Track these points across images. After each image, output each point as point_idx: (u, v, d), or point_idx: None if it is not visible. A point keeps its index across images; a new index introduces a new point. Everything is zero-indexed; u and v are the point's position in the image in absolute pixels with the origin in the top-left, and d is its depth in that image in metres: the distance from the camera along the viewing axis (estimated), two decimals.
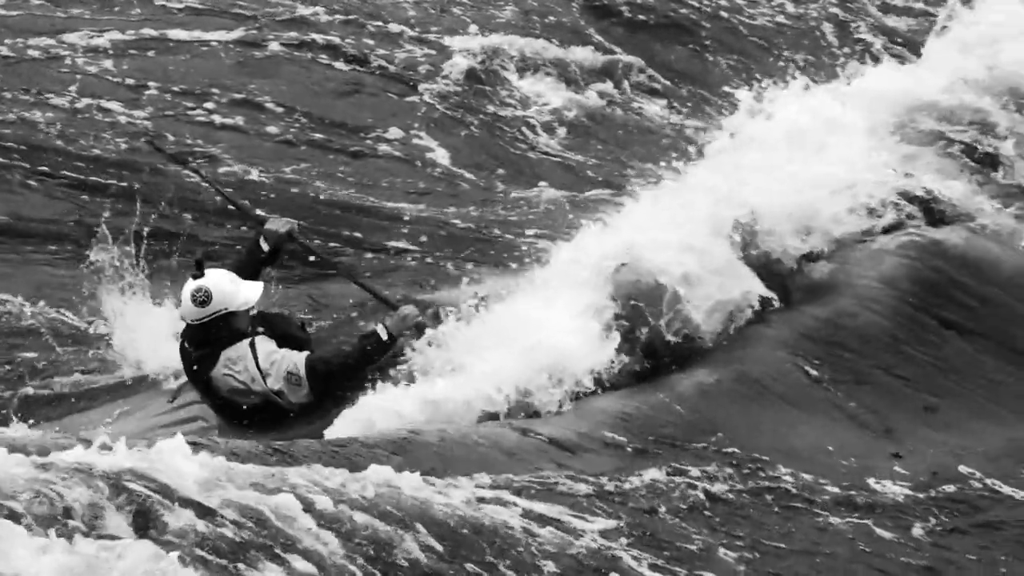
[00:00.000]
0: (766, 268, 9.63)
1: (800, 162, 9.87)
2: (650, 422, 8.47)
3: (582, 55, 15.14)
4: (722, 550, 7.19)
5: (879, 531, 7.67)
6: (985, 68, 10.79)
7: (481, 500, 6.90)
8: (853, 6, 15.99)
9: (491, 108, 14.18)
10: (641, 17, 15.80)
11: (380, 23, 14.89)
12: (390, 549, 6.11)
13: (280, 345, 8.88)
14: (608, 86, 14.73)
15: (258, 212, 10.35)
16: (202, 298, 8.67)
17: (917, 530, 7.72)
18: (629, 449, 8.24)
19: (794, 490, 7.95)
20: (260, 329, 8.91)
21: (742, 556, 7.19)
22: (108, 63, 14.19)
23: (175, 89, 13.88)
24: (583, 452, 8.09)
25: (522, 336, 8.67)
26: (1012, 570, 7.36)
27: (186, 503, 5.89)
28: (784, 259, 9.72)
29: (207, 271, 8.72)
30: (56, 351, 10.26)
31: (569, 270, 9.22)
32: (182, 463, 6.10)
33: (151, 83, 13.86)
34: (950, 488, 8.11)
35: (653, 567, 6.89)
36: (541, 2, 15.61)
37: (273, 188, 12.57)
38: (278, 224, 9.17)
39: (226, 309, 8.70)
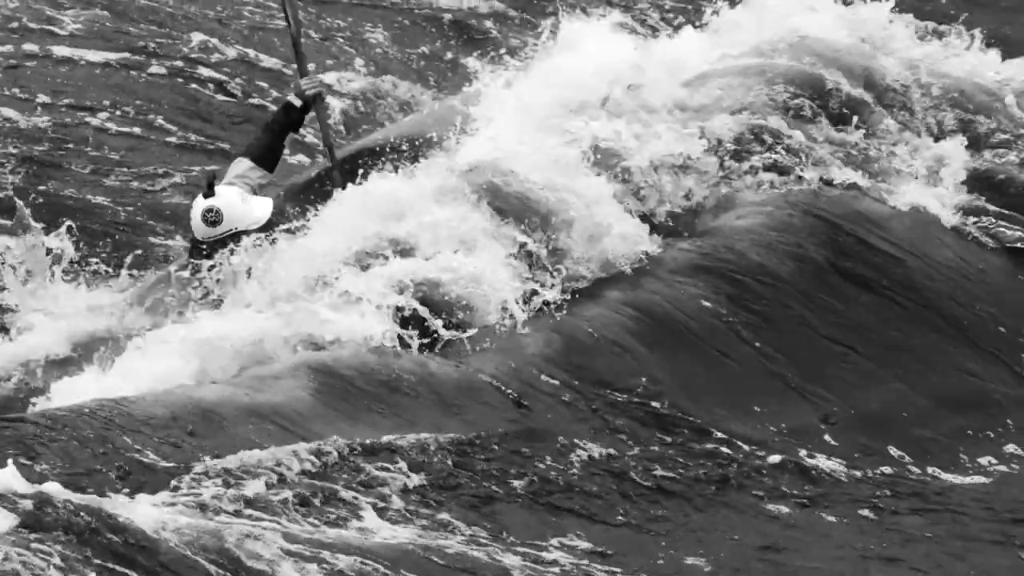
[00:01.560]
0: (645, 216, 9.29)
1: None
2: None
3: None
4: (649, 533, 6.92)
5: (821, 515, 7.36)
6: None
7: None
8: None
9: None
10: None
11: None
12: None
13: None
14: None
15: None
16: (213, 218, 8.69)
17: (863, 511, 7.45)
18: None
19: (732, 464, 7.67)
20: None
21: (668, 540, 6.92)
22: None
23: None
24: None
25: None
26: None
27: None
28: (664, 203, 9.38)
29: (217, 189, 8.72)
30: None
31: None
32: None
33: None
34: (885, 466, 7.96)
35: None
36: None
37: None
38: (313, 81, 9.23)
39: (236, 228, 8.71)
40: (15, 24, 13.62)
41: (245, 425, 7.06)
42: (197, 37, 13.73)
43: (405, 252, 8.59)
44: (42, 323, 8.99)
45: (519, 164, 9.00)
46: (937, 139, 10.02)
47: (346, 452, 6.93)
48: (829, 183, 9.55)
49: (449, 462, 7.03)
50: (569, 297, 8.53)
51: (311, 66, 9.53)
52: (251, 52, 13.72)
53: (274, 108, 10.94)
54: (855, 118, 9.90)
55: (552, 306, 8.44)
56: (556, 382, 8.03)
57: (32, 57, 13.13)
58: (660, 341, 8.44)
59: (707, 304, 8.69)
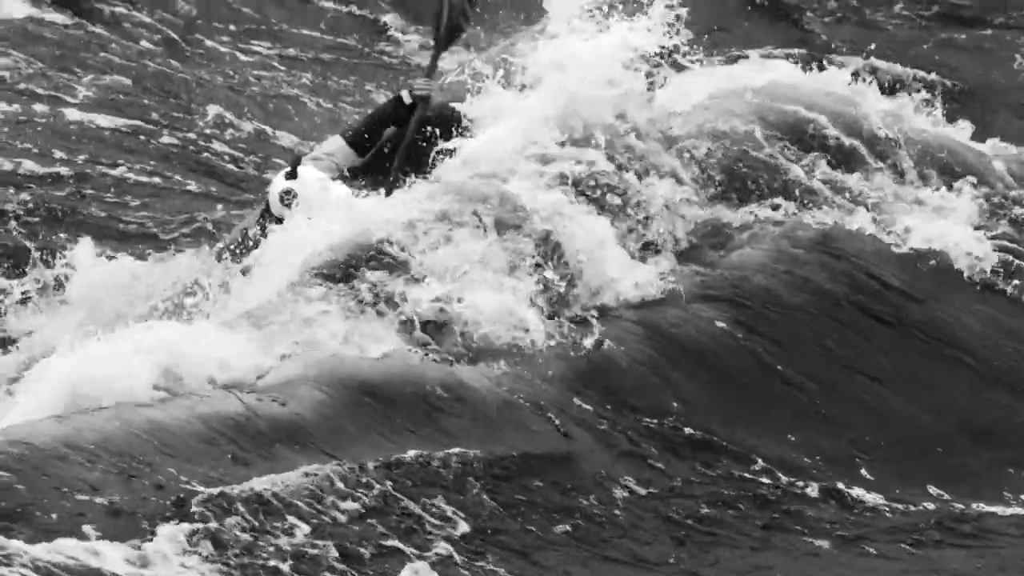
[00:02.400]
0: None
1: None
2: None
3: None
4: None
5: (866, 549, 7.21)
6: None
7: None
8: None
9: None
10: None
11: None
12: None
13: None
14: None
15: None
16: (288, 201, 8.72)
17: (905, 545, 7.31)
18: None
19: (774, 497, 7.51)
20: None
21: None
22: None
23: None
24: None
25: None
26: None
27: None
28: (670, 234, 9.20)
29: (301, 172, 8.77)
30: None
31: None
32: None
33: None
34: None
35: None
36: None
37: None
38: (429, 85, 9.22)
39: (309, 216, 8.67)
40: (28, 86, 13.56)
41: (278, 445, 6.87)
42: (213, 110, 13.73)
43: (416, 271, 8.44)
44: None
45: (527, 189, 8.89)
46: (936, 180, 10.00)
47: (383, 480, 6.71)
48: (836, 219, 9.45)
49: (491, 499, 6.83)
50: (588, 322, 8.37)
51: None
52: (266, 127, 13.67)
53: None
54: (852, 157, 9.87)
55: (571, 329, 8.27)
56: (588, 407, 7.84)
57: (44, 116, 13.08)
58: (686, 367, 8.27)
59: (728, 332, 8.51)
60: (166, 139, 13.04)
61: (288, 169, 8.84)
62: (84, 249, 9.77)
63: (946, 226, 9.60)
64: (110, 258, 9.87)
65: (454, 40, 9.59)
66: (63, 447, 6.48)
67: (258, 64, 15.30)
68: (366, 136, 9.09)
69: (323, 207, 8.69)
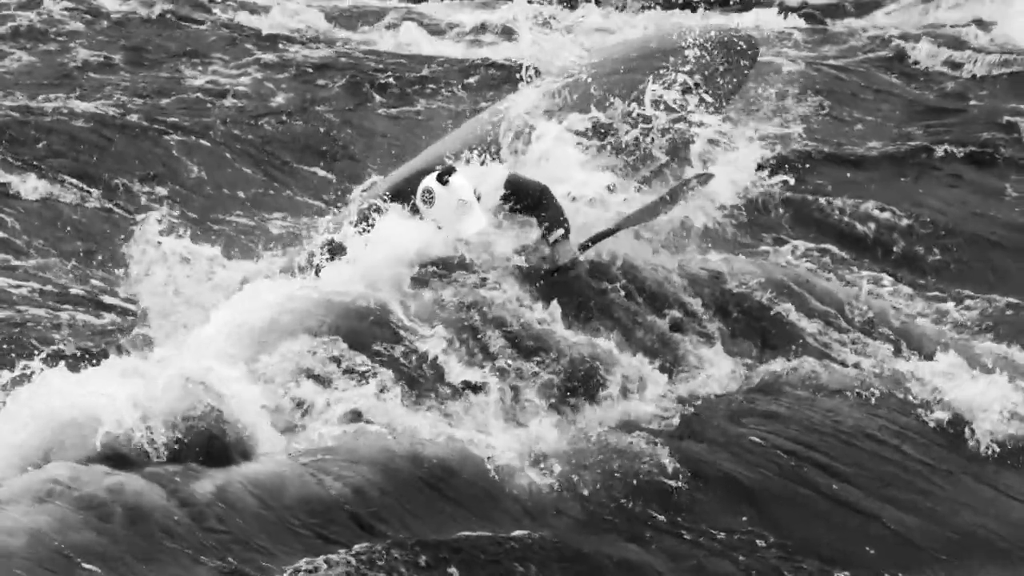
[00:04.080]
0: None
1: None
2: None
3: None
4: None
5: None
6: None
7: None
8: None
9: None
10: None
11: None
12: None
13: None
14: None
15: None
16: (424, 199, 8.74)
17: None
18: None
19: None
20: None
21: None
22: None
23: None
24: None
25: None
26: None
27: None
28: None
29: (452, 180, 8.70)
30: None
31: None
32: None
33: None
34: None
35: None
36: None
37: None
38: (566, 254, 8.99)
39: (438, 224, 8.72)
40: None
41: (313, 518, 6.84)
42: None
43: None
44: None
45: None
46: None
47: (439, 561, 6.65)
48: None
49: None
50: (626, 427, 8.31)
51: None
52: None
53: None
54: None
55: (598, 434, 8.19)
56: (645, 512, 7.74)
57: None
58: (744, 486, 8.15)
59: (773, 454, 8.39)
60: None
61: (442, 169, 8.75)
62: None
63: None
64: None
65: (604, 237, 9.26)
66: None
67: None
68: (521, 201, 8.92)
69: (452, 223, 8.67)
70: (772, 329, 9.45)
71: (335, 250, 8.85)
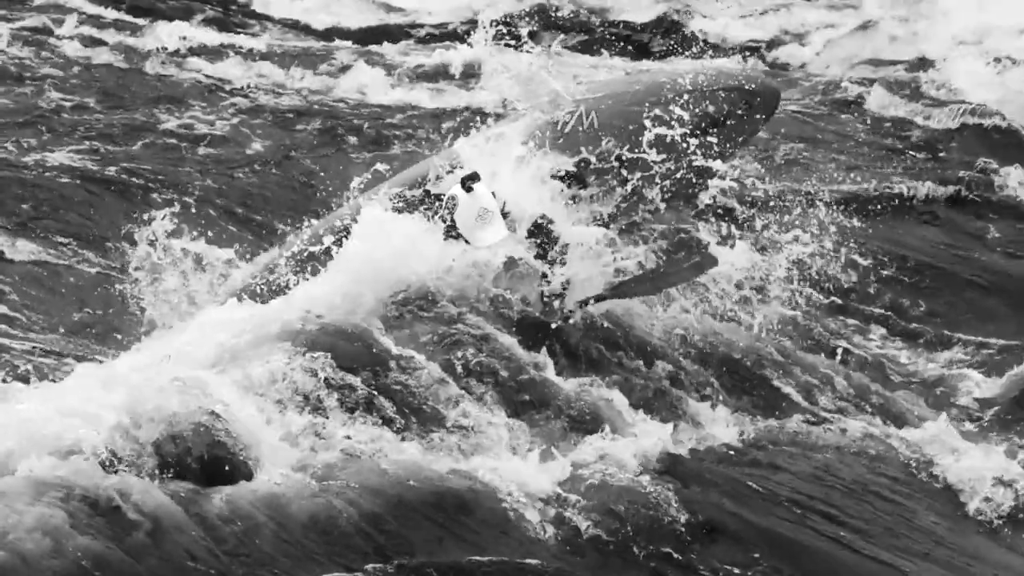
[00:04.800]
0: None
1: None
2: None
3: None
4: None
5: None
6: None
7: None
8: None
9: None
10: None
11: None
12: None
13: None
14: None
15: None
16: (449, 206, 8.77)
17: None
18: None
19: None
20: None
21: None
22: None
23: None
24: None
25: None
26: None
27: None
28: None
29: (477, 188, 8.73)
30: None
31: None
32: None
33: None
34: None
35: None
36: None
37: None
38: (563, 304, 8.99)
39: (457, 230, 8.73)
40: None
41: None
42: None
43: None
44: None
45: None
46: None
47: None
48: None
49: None
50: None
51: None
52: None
53: None
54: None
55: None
56: (654, 550, 7.70)
57: None
58: (751, 531, 8.07)
59: (777, 501, 8.40)
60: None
61: (466, 176, 8.77)
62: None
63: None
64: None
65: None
66: None
67: None
68: (537, 238, 8.96)
69: (472, 231, 8.69)
70: (760, 391, 9.49)
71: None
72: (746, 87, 9.49)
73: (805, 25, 22.32)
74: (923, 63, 19.08)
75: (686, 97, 9.32)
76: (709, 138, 9.26)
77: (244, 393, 7.67)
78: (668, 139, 9.23)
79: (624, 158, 9.25)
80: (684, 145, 9.21)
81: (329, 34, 21.21)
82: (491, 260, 8.88)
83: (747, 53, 21.28)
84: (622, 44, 21.17)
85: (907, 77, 18.34)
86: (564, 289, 8.97)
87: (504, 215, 8.80)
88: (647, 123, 9.22)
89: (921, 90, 17.49)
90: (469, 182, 8.70)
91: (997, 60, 18.20)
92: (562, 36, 21.15)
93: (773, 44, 21.65)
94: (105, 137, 14.43)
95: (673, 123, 9.23)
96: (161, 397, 7.26)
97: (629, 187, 9.31)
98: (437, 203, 8.89)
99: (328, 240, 9.04)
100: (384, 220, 8.83)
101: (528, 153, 9.14)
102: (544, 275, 8.97)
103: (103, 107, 15.49)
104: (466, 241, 8.74)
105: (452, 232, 8.75)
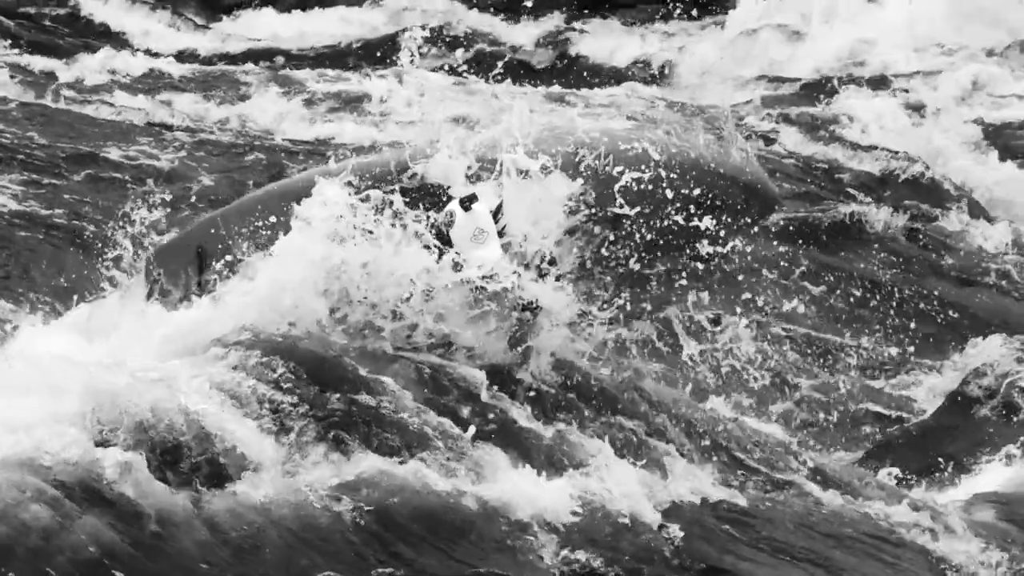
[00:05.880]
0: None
1: None
2: None
3: None
4: None
5: None
6: None
7: None
8: None
9: None
10: None
11: None
12: None
13: None
14: None
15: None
16: (445, 221, 8.81)
17: None
18: None
19: None
20: None
21: None
22: None
23: None
24: None
25: None
26: None
27: None
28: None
29: (476, 208, 8.80)
30: None
31: None
32: None
33: None
34: None
35: None
36: None
37: None
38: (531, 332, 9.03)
39: (456, 251, 8.74)
40: None
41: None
42: None
43: None
44: None
45: None
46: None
47: None
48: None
49: None
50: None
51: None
52: None
53: None
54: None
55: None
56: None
57: None
58: None
59: (781, 555, 8.40)
60: None
61: (468, 195, 8.80)
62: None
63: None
64: None
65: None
66: None
67: None
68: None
69: (466, 249, 8.73)
70: (733, 451, 9.58)
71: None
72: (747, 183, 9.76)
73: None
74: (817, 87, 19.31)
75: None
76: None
77: (242, 401, 7.69)
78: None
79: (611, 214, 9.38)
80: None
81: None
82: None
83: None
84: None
85: (814, 112, 18.55)
86: (536, 307, 9.03)
87: (500, 234, 8.90)
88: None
89: (833, 131, 17.75)
90: (468, 202, 8.80)
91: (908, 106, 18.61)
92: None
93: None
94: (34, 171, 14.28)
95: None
96: (161, 397, 7.26)
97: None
98: (419, 200, 8.99)
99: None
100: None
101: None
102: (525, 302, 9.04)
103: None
104: (457, 253, 8.79)
105: (443, 245, 8.86)
